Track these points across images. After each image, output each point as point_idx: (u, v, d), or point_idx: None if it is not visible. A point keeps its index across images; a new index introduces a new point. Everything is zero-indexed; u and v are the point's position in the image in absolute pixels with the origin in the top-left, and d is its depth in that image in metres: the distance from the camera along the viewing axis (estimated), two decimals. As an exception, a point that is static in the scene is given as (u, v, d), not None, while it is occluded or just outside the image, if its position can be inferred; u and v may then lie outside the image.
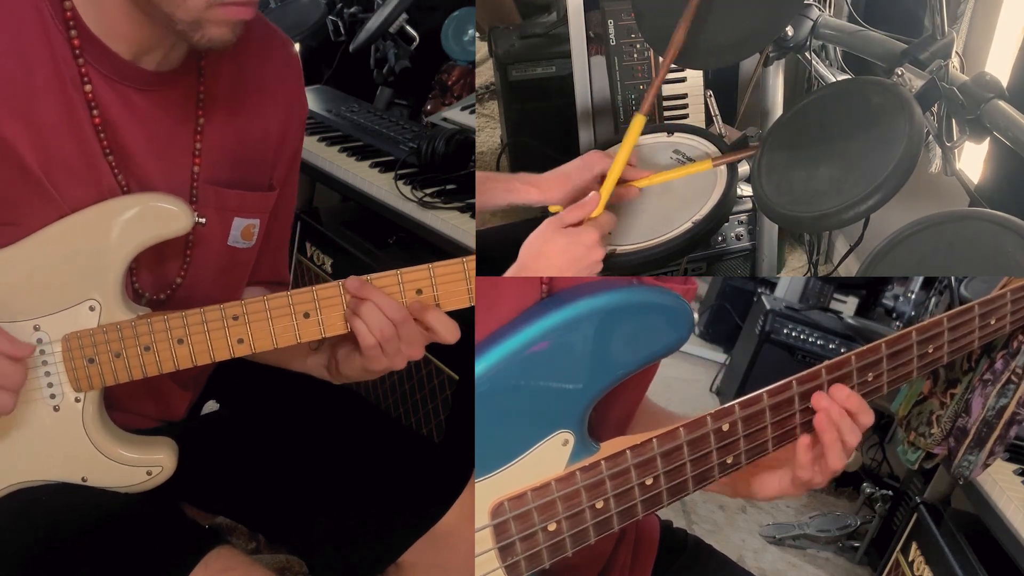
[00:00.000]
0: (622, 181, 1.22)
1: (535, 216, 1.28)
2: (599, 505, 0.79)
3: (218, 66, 1.05)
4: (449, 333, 0.98)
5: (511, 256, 1.09)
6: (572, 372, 0.78)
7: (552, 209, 1.27)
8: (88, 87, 0.97)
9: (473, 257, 0.99)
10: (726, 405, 0.82)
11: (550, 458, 0.78)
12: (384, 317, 0.96)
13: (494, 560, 0.77)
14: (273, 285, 1.25)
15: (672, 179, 1.28)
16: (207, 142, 1.06)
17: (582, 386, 0.78)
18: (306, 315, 0.98)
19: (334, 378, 1.11)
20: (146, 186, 1.02)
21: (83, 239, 0.97)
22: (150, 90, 1.01)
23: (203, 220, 1.02)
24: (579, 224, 1.10)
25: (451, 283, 0.98)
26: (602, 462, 0.78)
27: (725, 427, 0.82)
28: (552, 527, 0.78)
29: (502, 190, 1.27)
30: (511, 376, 0.76)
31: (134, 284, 1.06)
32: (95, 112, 0.98)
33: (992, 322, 0.97)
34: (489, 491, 0.77)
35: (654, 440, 0.79)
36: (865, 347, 0.88)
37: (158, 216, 0.98)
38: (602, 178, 1.25)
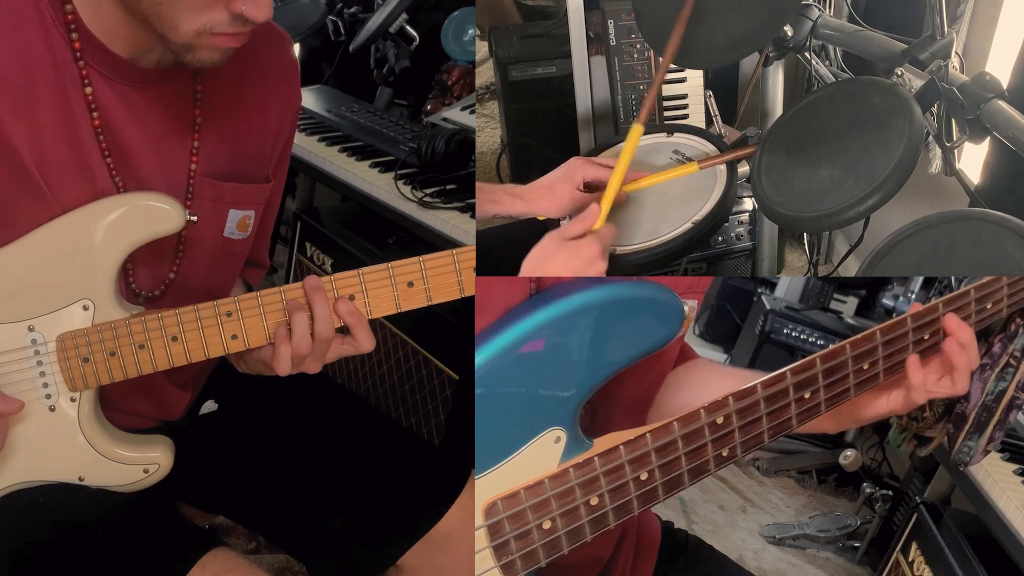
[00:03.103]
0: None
1: (537, 218, 1.28)
2: (594, 502, 0.78)
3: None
4: (365, 349, 1.00)
5: (511, 256, 1.08)
6: (562, 369, 0.77)
7: (541, 217, 1.27)
8: (88, 89, 0.97)
9: (464, 249, 0.99)
10: (720, 398, 0.82)
11: (542, 456, 0.78)
12: (308, 334, 0.97)
13: (489, 559, 0.77)
14: (254, 267, 1.27)
15: (659, 183, 1.28)
16: (204, 138, 1.06)
17: (572, 383, 0.78)
18: None
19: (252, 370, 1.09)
20: (143, 184, 1.02)
21: (76, 240, 0.97)
22: (148, 88, 1.01)
23: (195, 218, 1.03)
24: (581, 237, 1.09)
25: (441, 275, 0.99)
26: (595, 458, 0.78)
27: (719, 420, 0.82)
28: (547, 525, 0.77)
29: (488, 201, 1.27)
30: (500, 374, 0.76)
31: (130, 282, 1.06)
32: (95, 114, 0.98)
33: (988, 306, 0.97)
34: (481, 491, 0.77)
35: (648, 435, 0.79)
36: (859, 335, 0.88)
37: (150, 215, 0.98)
38: (586, 185, 1.25)
